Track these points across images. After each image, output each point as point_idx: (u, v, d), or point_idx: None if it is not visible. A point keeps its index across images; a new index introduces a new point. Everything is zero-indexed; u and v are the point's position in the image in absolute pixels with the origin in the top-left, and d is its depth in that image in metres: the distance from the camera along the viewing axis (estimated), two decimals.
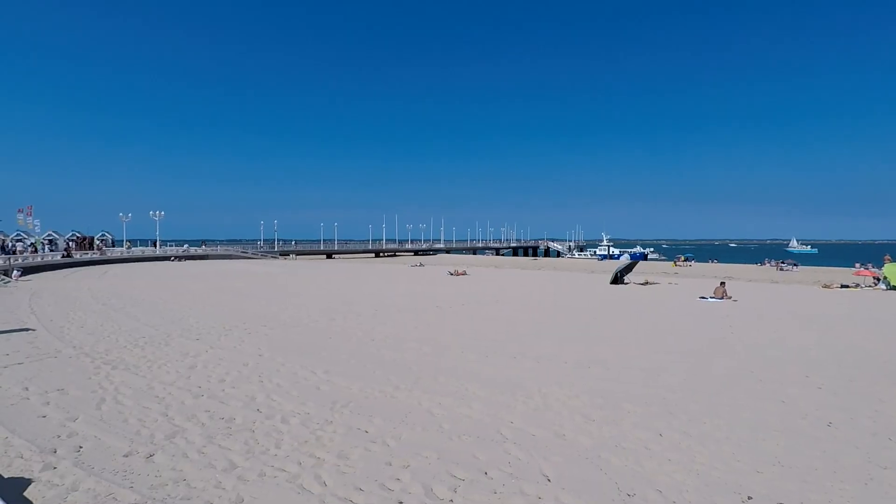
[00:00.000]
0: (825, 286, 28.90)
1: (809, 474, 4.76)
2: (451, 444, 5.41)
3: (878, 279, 29.82)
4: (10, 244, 42.65)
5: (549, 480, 4.58)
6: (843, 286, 28.50)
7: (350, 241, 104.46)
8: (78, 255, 43.34)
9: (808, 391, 7.63)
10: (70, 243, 51.30)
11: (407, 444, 5.39)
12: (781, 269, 48.46)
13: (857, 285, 29.14)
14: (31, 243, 45.98)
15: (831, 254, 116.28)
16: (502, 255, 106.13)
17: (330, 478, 4.55)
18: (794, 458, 5.12)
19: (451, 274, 35.46)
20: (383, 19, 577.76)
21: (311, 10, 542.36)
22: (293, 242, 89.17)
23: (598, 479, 4.61)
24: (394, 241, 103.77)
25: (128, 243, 63.40)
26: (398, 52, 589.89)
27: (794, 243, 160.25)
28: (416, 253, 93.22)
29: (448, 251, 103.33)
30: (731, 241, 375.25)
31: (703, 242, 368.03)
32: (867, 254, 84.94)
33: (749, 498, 4.28)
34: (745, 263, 63.28)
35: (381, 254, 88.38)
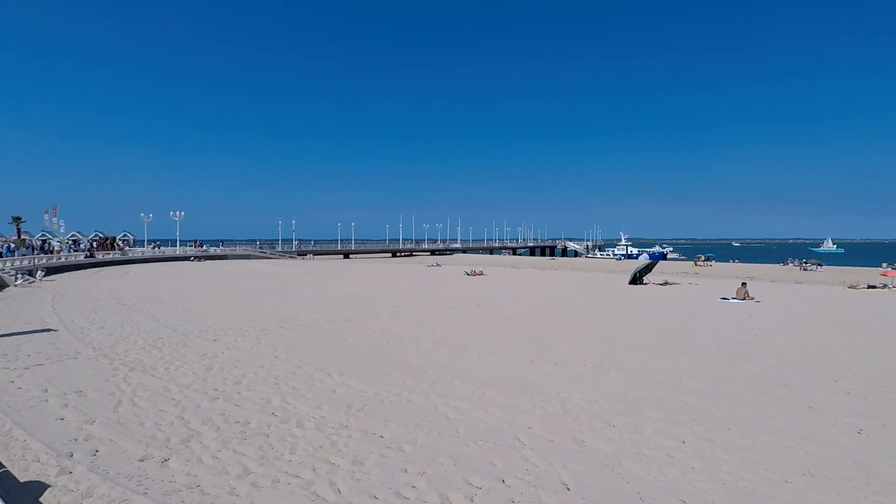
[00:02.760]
0: (851, 286, 28.16)
1: (842, 485, 4.56)
2: (467, 450, 5.31)
3: None
4: (47, 244, 43.91)
5: (568, 489, 4.45)
6: (870, 286, 27.73)
7: (367, 240, 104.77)
8: (100, 255, 44.19)
9: (837, 396, 7.37)
10: (93, 243, 52.39)
11: (422, 449, 5.31)
12: (805, 269, 47.37)
13: (885, 286, 28.35)
14: (58, 242, 47.11)
15: (857, 253, 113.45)
16: (519, 254, 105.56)
17: (344, 485, 4.48)
18: (824, 468, 4.91)
19: (468, 274, 35.35)
20: (398, 20, 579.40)
21: (325, 12, 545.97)
22: (311, 243, 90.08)
23: (620, 489, 4.47)
24: (410, 240, 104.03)
25: (155, 243, 64.86)
26: (413, 52, 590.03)
27: (828, 243, 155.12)
28: (433, 253, 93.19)
29: (465, 251, 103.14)
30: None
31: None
32: (895, 253, 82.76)
33: None
34: (767, 263, 62.01)
35: (398, 254, 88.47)
